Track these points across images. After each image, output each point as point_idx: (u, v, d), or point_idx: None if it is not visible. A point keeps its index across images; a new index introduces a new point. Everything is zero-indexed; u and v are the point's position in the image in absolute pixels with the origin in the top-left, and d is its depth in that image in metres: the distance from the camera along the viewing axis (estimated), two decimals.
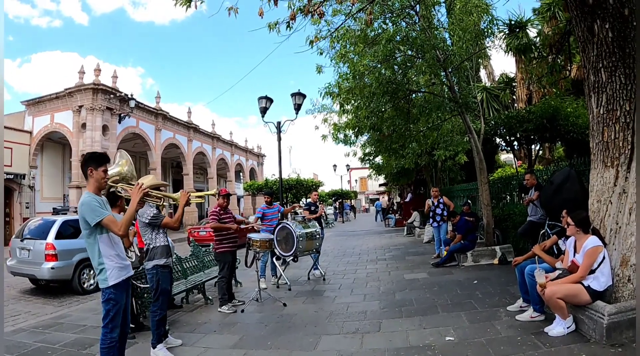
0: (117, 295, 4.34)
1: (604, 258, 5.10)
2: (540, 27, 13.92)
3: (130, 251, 5.65)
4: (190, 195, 5.28)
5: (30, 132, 27.71)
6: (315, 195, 12.77)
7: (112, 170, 4.56)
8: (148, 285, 6.79)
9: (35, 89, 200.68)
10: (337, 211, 48.88)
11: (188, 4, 6.21)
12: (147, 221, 5.80)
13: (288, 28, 6.95)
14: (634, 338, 4.62)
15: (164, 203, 5.25)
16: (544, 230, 8.49)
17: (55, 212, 13.48)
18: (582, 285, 5.08)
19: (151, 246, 5.85)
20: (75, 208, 15.61)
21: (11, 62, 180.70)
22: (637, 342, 2.86)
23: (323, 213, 12.65)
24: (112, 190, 4.72)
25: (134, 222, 5.29)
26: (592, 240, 5.17)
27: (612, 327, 4.70)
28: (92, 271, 11.09)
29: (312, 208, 11.63)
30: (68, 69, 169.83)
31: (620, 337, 4.70)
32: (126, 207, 5.13)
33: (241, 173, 53.87)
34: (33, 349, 6.08)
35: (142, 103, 30.58)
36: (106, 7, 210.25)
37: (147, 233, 5.90)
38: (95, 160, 4.38)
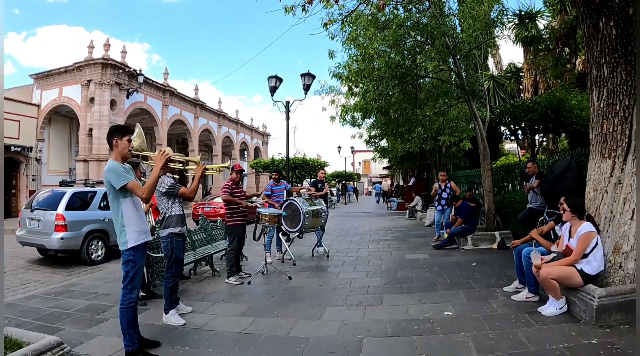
0: (135, 257, 4.61)
1: (597, 243, 5.37)
2: (550, 18, 14.07)
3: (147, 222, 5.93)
4: (205, 166, 5.57)
5: (38, 105, 27.81)
6: (322, 173, 12.88)
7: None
8: (160, 254, 7.09)
9: (41, 62, 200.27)
10: (340, 192, 49.08)
11: None
12: (164, 190, 6.00)
13: (304, 11, 7.15)
14: (622, 320, 4.93)
15: (186, 168, 5.47)
16: (542, 217, 8.77)
17: (63, 184, 13.71)
18: (575, 268, 5.36)
19: (167, 214, 6.06)
20: (83, 180, 15.88)
21: (16, 35, 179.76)
22: (637, 326, 3.10)
23: (328, 192, 12.81)
24: (132, 159, 4.96)
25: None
26: (586, 226, 5.45)
27: (602, 309, 4.97)
28: (100, 243, 11.45)
29: (319, 185, 11.83)
30: (74, 43, 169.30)
31: (609, 319, 4.97)
32: (142, 178, 5.45)
33: (245, 152, 53.99)
34: (47, 314, 6.29)
35: (150, 79, 30.69)
36: None
37: (163, 202, 6.12)
38: (120, 131, 4.70)
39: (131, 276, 4.59)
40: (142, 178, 5.76)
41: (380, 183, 54.50)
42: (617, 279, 5.43)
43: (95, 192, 11.89)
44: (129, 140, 4.67)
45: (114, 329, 5.26)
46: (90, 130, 26.15)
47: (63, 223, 10.69)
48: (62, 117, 29.55)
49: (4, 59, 2.95)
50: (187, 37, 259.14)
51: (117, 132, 4.68)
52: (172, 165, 5.10)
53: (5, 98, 23.00)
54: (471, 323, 5.31)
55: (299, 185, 32.45)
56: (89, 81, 26.23)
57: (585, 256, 5.36)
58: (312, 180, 21.25)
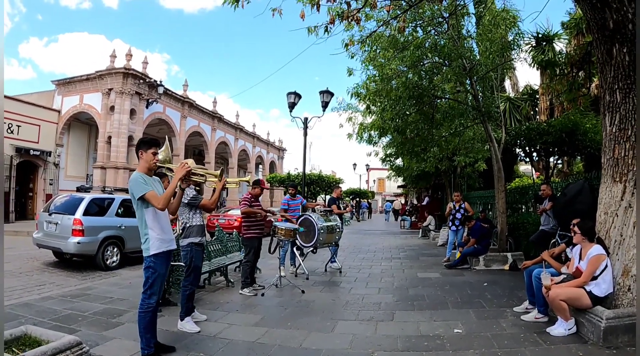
0: (156, 264, 4.78)
1: (606, 266, 5.46)
2: (567, 41, 14.15)
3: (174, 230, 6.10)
4: (226, 180, 5.73)
5: (59, 111, 28.23)
6: (339, 190, 12.99)
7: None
8: (179, 263, 7.25)
9: (61, 68, 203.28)
10: (354, 210, 49.09)
11: (236, 3, 6.63)
12: (186, 201, 6.17)
13: (326, 32, 7.32)
14: (629, 342, 4.99)
15: (207, 181, 5.65)
16: (554, 240, 8.82)
17: (80, 189, 13.92)
18: (585, 290, 5.44)
19: (187, 225, 6.26)
20: (101, 187, 16.11)
21: (38, 40, 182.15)
22: (637, 344, 3.19)
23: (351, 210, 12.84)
24: (158, 170, 5.15)
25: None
26: (596, 249, 5.54)
27: (609, 331, 5.04)
28: (115, 249, 11.61)
29: (337, 202, 11.88)
30: (94, 51, 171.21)
31: (616, 340, 5.04)
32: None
33: (261, 166, 54.25)
34: (64, 315, 6.43)
35: (169, 90, 31.09)
36: None
37: (185, 212, 6.32)
38: (146, 143, 4.94)
39: (151, 282, 4.75)
40: None
41: (391, 202, 54.46)
42: (625, 301, 5.49)
43: (113, 199, 12.09)
44: (154, 153, 4.88)
45: (130, 333, 5.44)
46: (109, 137, 26.49)
47: (80, 228, 10.88)
48: (82, 123, 30.01)
49: (4, 61, 3.13)
50: (206, 49, 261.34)
51: (144, 145, 4.92)
52: (193, 177, 5.27)
53: (26, 103, 23.69)
54: (480, 341, 5.40)
55: (314, 200, 32.56)
56: (110, 90, 26.65)
57: (594, 278, 5.44)
58: (327, 197, 21.31)
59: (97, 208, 11.66)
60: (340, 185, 12.30)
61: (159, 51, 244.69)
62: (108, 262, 11.38)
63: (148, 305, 4.73)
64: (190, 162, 5.77)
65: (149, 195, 4.65)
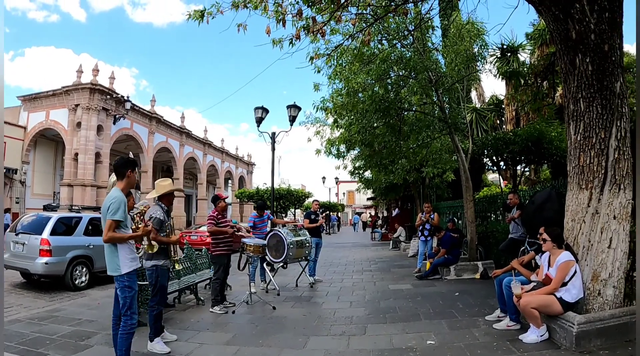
0: (130, 282, 4.74)
1: (575, 272, 5.51)
2: (532, 51, 14.41)
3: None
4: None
5: (25, 128, 27.77)
6: (316, 204, 12.90)
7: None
8: (145, 282, 7.10)
9: (28, 83, 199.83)
10: (325, 223, 49.05)
11: (201, 19, 6.58)
12: (154, 226, 6.06)
13: (291, 44, 7.29)
14: (601, 346, 5.07)
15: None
16: (524, 247, 8.89)
17: (47, 208, 13.64)
18: (555, 296, 5.48)
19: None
20: (68, 205, 15.78)
21: (4, 54, 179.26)
22: (637, 343, 3.19)
23: (323, 224, 12.77)
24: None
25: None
26: (564, 255, 5.59)
27: (581, 336, 5.10)
28: (84, 269, 11.39)
29: (312, 217, 11.83)
30: (61, 65, 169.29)
31: (588, 345, 5.10)
32: (135, 205, 5.58)
33: (230, 181, 53.98)
34: (31, 339, 6.28)
35: (137, 106, 30.85)
36: (105, 5, 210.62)
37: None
38: (132, 164, 5.01)
39: (129, 302, 4.72)
40: (135, 206, 5.85)
41: (359, 214, 54.75)
42: (596, 306, 5.55)
43: (80, 218, 11.89)
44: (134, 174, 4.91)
45: (100, 355, 5.29)
46: (76, 154, 26.02)
47: (48, 248, 10.68)
48: (48, 140, 29.48)
49: (4, 61, 3.03)
50: (175, 64, 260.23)
51: (131, 165, 5.00)
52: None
53: None
54: (453, 351, 5.38)
55: (283, 215, 32.42)
56: (77, 105, 26.25)
57: (564, 284, 5.48)
58: (297, 211, 21.30)
59: (65, 227, 11.48)
60: (317, 200, 12.22)
61: (127, 66, 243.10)
62: (77, 282, 11.17)
63: (131, 326, 4.71)
64: (167, 183, 5.92)
65: (113, 224, 4.64)
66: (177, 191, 6.70)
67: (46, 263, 10.60)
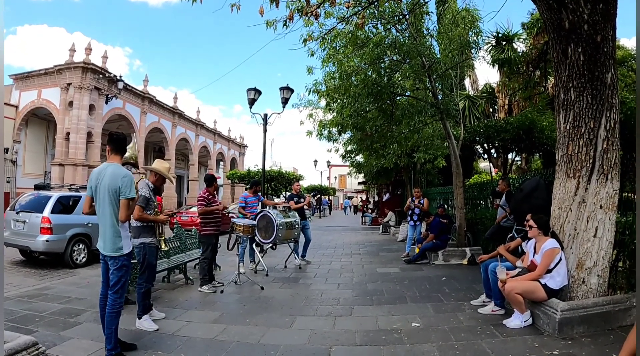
0: (128, 261, 4.80)
1: (560, 259, 5.58)
2: (528, 40, 14.42)
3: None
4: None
5: (16, 106, 27.61)
6: (297, 185, 12.94)
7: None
8: (134, 261, 7.13)
9: (19, 62, 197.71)
10: (315, 206, 49.15)
11: None
12: (140, 204, 6.07)
13: (285, 26, 7.27)
14: (583, 333, 5.18)
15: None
16: (511, 234, 8.97)
17: (38, 187, 13.62)
18: (540, 282, 5.56)
19: (139, 224, 6.12)
20: (59, 184, 15.75)
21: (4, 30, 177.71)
22: (636, 329, 3.25)
23: (312, 201, 12.76)
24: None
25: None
26: (550, 242, 5.66)
27: (564, 322, 5.19)
28: (83, 246, 11.56)
29: (295, 199, 11.88)
30: (54, 44, 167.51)
31: (571, 332, 5.20)
32: None
33: (222, 162, 53.87)
34: (21, 316, 6.28)
35: (129, 86, 30.68)
36: None
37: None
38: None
39: (123, 281, 4.73)
40: None
41: (350, 199, 54.93)
42: (580, 294, 5.63)
43: (79, 197, 11.95)
44: None
45: (88, 332, 5.39)
46: (68, 134, 25.96)
47: (49, 226, 10.85)
48: (40, 119, 29.37)
49: (4, 60, 3.02)
50: (169, 44, 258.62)
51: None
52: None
53: None
54: (438, 334, 5.46)
55: (274, 197, 32.42)
56: (69, 85, 26.14)
57: (549, 271, 5.55)
58: (287, 193, 21.24)
59: (65, 206, 11.60)
60: (299, 181, 12.12)
61: (120, 45, 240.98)
62: (76, 260, 11.35)
63: (119, 304, 4.71)
64: (164, 166, 5.98)
65: (136, 203, 4.72)
66: (169, 180, 6.72)
67: (47, 241, 10.78)
